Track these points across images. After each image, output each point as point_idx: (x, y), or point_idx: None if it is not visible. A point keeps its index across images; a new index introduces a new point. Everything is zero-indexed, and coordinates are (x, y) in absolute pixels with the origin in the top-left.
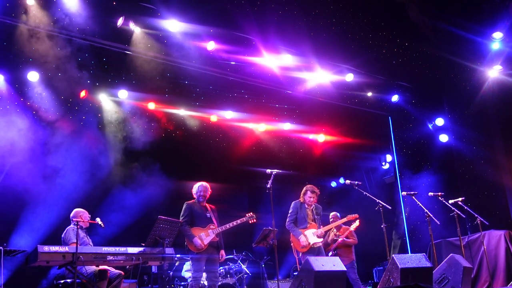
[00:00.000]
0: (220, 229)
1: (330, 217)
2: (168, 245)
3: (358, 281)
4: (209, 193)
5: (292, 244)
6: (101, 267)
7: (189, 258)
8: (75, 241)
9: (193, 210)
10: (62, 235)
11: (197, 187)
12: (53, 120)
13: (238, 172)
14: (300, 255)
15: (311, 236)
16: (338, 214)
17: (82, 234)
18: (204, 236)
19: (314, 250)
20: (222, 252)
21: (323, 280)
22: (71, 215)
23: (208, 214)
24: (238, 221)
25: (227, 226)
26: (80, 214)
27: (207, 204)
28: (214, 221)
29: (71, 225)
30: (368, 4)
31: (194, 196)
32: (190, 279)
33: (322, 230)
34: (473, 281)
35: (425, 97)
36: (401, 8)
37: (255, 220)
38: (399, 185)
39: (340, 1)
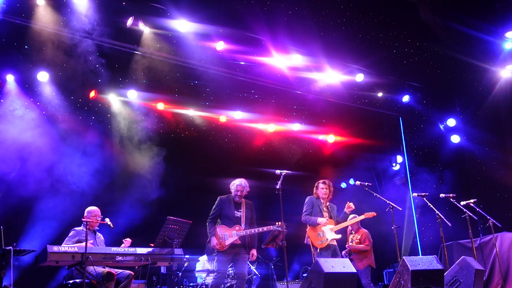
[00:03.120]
0: (244, 233)
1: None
2: (177, 246)
3: (370, 285)
4: (247, 191)
5: (309, 239)
6: (110, 269)
7: (199, 259)
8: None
9: (223, 207)
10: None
11: (235, 185)
12: (63, 120)
13: (247, 173)
14: (318, 250)
15: (328, 232)
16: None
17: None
18: (227, 237)
19: (330, 248)
20: (253, 251)
21: (333, 282)
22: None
23: (238, 213)
24: (265, 228)
25: (252, 231)
26: (85, 215)
27: (243, 200)
28: (243, 221)
29: (78, 228)
30: (379, 3)
31: (231, 191)
32: (203, 279)
33: (339, 227)
34: (485, 284)
35: (437, 97)
36: (412, 7)
37: (285, 230)
38: (410, 187)
39: (350, 1)
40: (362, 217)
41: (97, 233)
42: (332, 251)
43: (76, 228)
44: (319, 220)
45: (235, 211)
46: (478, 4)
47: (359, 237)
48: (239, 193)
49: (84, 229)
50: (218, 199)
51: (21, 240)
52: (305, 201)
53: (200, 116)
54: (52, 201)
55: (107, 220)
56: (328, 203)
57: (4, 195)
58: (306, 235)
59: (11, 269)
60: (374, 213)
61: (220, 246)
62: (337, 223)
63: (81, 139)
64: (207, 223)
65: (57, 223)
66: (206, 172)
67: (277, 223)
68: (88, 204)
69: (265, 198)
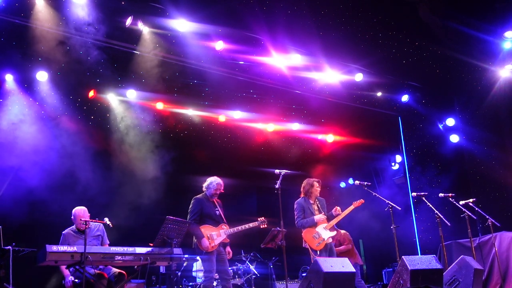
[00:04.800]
0: (231, 231)
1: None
2: (176, 246)
3: (361, 282)
4: (223, 189)
5: (306, 244)
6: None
7: (198, 258)
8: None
9: (204, 207)
10: None
11: (214, 183)
12: (62, 119)
13: (246, 173)
14: (318, 253)
15: (323, 231)
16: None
17: (73, 238)
18: (216, 236)
19: (328, 248)
20: (228, 249)
21: (332, 282)
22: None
23: (217, 211)
24: (250, 225)
25: (239, 228)
26: (72, 218)
27: (215, 200)
28: (224, 219)
29: (66, 230)
30: (378, 3)
31: (205, 190)
32: (201, 279)
33: (332, 223)
34: (484, 283)
35: (436, 97)
36: (411, 7)
37: (266, 226)
38: (409, 186)
39: (350, 0)
40: (351, 207)
41: (90, 228)
42: (329, 249)
43: (64, 232)
44: (316, 218)
45: (215, 210)
46: (477, 4)
47: (339, 239)
48: (218, 192)
49: (72, 231)
50: (194, 199)
51: (20, 239)
52: (295, 207)
53: (199, 115)
54: (51, 200)
55: (106, 220)
56: (316, 199)
57: (4, 194)
58: (303, 240)
59: (10, 268)
60: (362, 200)
61: (211, 247)
62: (328, 218)
63: (80, 138)
64: (191, 225)
65: (57, 223)
66: (206, 171)
67: (259, 219)
68: (88, 203)
69: (264, 198)
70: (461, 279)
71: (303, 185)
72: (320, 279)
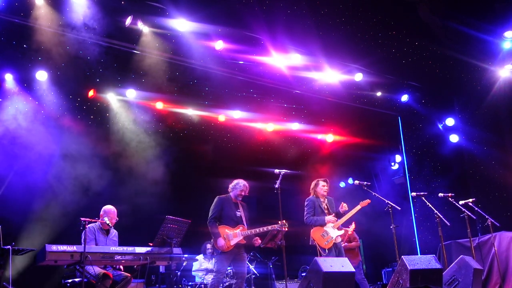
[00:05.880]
0: (249, 232)
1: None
2: (175, 245)
3: (364, 281)
4: (247, 192)
5: (315, 242)
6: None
7: (196, 258)
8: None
9: (224, 207)
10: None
11: (241, 184)
12: (61, 119)
13: (246, 172)
14: (326, 251)
15: (331, 230)
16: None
17: (97, 234)
18: (232, 237)
19: (337, 247)
20: (257, 238)
21: (331, 281)
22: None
23: (238, 213)
24: (269, 227)
25: (257, 230)
26: (101, 213)
27: (239, 201)
28: (244, 221)
29: (92, 225)
30: (378, 3)
31: (230, 190)
32: (200, 279)
33: (340, 222)
34: (484, 283)
35: (435, 97)
36: (411, 7)
37: (287, 229)
38: (409, 186)
39: (350, 0)
40: (358, 207)
41: (111, 231)
42: (338, 249)
43: (89, 226)
44: (327, 219)
45: (236, 211)
46: (477, 4)
47: (349, 236)
48: (243, 193)
49: (96, 228)
50: (217, 199)
51: (20, 239)
52: (306, 203)
53: (199, 115)
54: (51, 200)
55: (106, 220)
56: (325, 199)
57: (3, 194)
58: (311, 238)
59: (10, 268)
60: (368, 200)
61: (226, 247)
62: (336, 216)
63: (79, 138)
64: (209, 223)
65: (56, 222)
66: (205, 171)
67: (279, 222)
68: (87, 203)
69: (264, 198)
70: (460, 279)
71: (311, 185)
72: (320, 278)
